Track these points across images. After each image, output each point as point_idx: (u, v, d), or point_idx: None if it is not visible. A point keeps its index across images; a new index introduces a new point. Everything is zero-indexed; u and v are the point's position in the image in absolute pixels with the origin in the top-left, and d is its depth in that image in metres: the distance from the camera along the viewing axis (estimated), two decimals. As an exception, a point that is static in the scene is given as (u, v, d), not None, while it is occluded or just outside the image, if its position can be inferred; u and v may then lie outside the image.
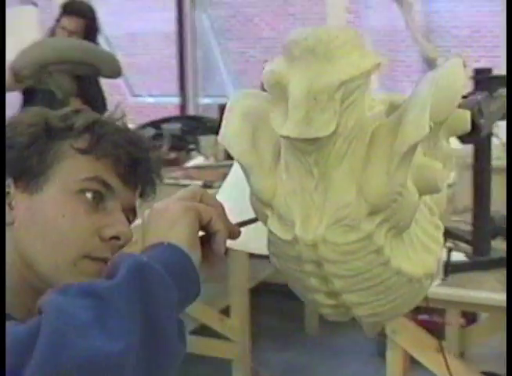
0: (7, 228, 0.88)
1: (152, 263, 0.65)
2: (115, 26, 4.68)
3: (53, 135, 0.90)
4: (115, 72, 3.23)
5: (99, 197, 0.86)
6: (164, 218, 0.71)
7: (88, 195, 0.87)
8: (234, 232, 0.75)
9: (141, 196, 0.95)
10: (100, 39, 3.40)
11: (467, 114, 0.86)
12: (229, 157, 3.17)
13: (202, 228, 0.73)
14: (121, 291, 0.62)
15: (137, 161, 0.90)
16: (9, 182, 0.89)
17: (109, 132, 0.90)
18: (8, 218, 0.88)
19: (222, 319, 2.95)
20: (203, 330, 3.01)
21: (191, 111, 3.98)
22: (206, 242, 0.74)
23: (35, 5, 3.79)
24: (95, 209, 0.86)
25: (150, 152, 0.93)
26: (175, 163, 3.08)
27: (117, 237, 0.84)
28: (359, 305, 0.70)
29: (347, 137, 0.64)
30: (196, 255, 0.69)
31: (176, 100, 4.08)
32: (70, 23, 3.06)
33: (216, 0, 4.55)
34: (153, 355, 0.62)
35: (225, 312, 3.00)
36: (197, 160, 3.14)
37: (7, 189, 0.88)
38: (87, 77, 3.16)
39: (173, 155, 3.15)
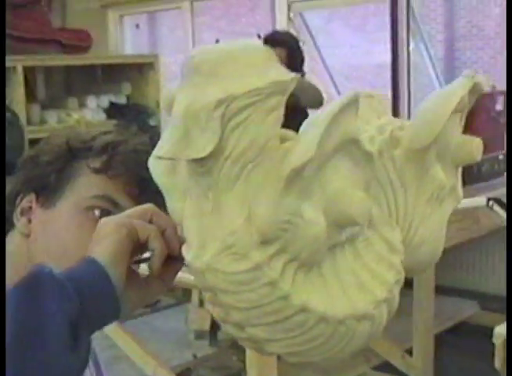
0: (24, 239, 0.94)
1: (54, 273, 0.65)
2: (336, 57, 4.75)
3: (73, 155, 0.95)
4: (317, 102, 3.28)
5: (106, 215, 0.89)
6: (96, 234, 0.72)
7: (96, 212, 0.90)
8: (174, 253, 0.73)
9: None
10: (321, 70, 3.46)
11: (475, 142, 0.76)
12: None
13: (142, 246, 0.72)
14: (12, 295, 0.63)
15: (148, 182, 0.92)
16: (31, 197, 0.95)
17: (122, 153, 0.93)
18: (26, 231, 0.94)
19: (404, 357, 2.85)
20: (386, 367, 2.94)
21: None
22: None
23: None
24: None
25: None
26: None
27: None
28: (270, 342, 0.65)
29: (239, 160, 0.61)
30: (117, 271, 0.68)
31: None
32: (272, 53, 3.16)
33: (433, 32, 4.43)
34: (24, 361, 0.61)
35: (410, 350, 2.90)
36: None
37: (29, 204, 0.95)
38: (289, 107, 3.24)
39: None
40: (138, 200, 0.91)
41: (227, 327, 0.66)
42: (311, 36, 4.59)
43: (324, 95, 3.33)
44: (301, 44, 3.38)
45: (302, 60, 3.34)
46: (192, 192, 0.64)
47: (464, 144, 0.77)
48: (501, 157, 2.11)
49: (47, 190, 0.94)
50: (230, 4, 6.30)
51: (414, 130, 0.74)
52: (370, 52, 4.56)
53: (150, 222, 0.74)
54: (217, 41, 4.77)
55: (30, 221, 0.95)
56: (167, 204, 0.68)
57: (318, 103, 3.26)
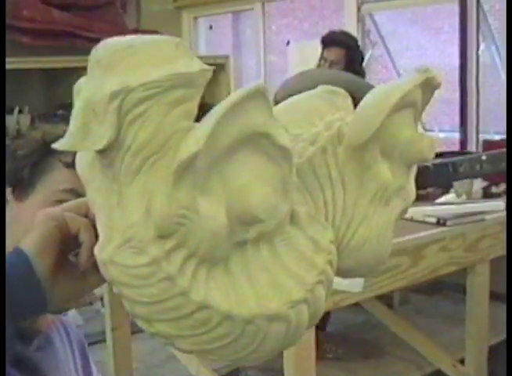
0: None
1: None
2: (407, 59, 4.65)
3: (48, 150, 0.97)
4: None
5: None
6: (30, 225, 0.72)
7: None
8: None
9: None
10: (392, 71, 3.40)
11: (425, 139, 0.74)
12: (486, 195, 2.97)
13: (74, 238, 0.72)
14: None
15: None
16: (8, 190, 0.97)
17: None
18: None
19: (456, 366, 2.77)
20: None
21: (471, 147, 3.78)
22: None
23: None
24: None
25: None
26: (425, 198, 2.96)
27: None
28: (178, 338, 0.64)
29: (139, 153, 0.60)
30: (42, 262, 0.68)
31: (456, 135, 3.91)
32: (329, 54, 3.14)
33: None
34: None
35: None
36: (449, 196, 2.99)
37: (7, 197, 0.97)
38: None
39: (426, 191, 3.03)
40: None
41: (137, 321, 0.66)
42: (381, 37, 4.52)
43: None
44: (359, 43, 3.34)
45: (361, 60, 3.29)
46: (101, 184, 0.64)
47: (414, 141, 0.74)
48: (484, 157, 1.99)
49: (21, 184, 0.96)
50: (314, 5, 6.29)
51: (352, 125, 0.71)
52: (442, 53, 4.45)
53: (86, 216, 0.74)
54: (288, 42, 4.77)
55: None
56: (87, 196, 0.68)
57: None
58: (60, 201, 0.92)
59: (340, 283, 1.53)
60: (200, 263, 0.61)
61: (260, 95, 0.60)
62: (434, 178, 0.88)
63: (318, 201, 0.72)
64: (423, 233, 2.27)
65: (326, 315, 3.10)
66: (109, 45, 0.61)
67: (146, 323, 0.64)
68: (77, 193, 0.93)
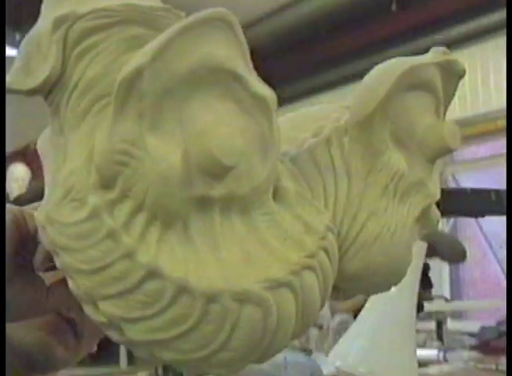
0: None
1: None
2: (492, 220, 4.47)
3: None
4: (458, 255, 3.05)
5: None
6: None
7: None
8: None
9: None
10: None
11: (446, 125, 0.64)
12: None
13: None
14: None
15: None
16: None
17: None
18: None
19: None
20: None
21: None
22: None
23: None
24: None
25: None
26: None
27: None
28: (127, 323, 0.52)
29: (87, 92, 0.52)
30: None
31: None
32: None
33: None
34: None
35: None
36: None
37: None
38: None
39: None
40: None
41: (86, 308, 0.54)
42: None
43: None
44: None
45: None
46: (50, 145, 0.55)
47: (433, 129, 0.64)
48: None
49: None
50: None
51: (354, 99, 0.62)
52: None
53: None
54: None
55: None
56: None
57: (459, 255, 3.03)
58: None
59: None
60: (152, 221, 0.50)
61: (225, 24, 0.52)
62: (470, 205, 0.76)
63: (316, 189, 0.61)
64: None
65: None
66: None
67: (91, 305, 0.52)
68: None
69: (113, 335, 0.54)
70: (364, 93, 0.61)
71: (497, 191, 0.77)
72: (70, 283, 0.53)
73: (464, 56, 4.00)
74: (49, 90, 0.53)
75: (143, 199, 0.49)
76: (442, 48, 0.65)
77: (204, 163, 0.50)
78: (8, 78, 0.52)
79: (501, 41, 3.80)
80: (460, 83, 0.67)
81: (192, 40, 0.50)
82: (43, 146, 0.59)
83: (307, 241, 0.55)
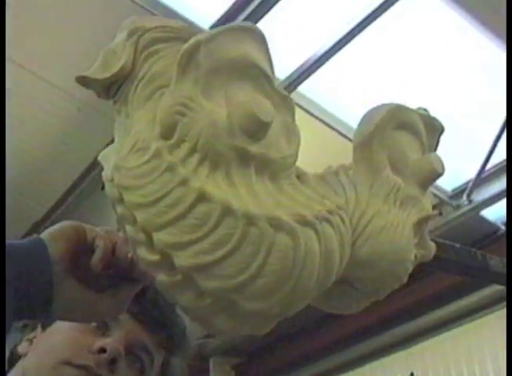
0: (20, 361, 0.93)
1: None
2: None
3: None
4: None
5: (103, 326, 0.90)
6: None
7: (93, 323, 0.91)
8: (119, 250, 0.72)
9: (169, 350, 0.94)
10: None
11: (432, 156, 0.78)
12: None
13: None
14: None
15: (146, 296, 0.93)
16: (39, 329, 0.96)
17: None
18: (24, 350, 0.94)
19: None
20: None
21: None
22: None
23: None
24: (97, 334, 0.89)
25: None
26: None
27: (103, 349, 0.85)
28: (178, 250, 0.61)
29: (152, 82, 0.67)
30: (54, 245, 0.68)
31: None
32: None
33: None
34: None
35: None
36: None
37: (34, 334, 0.95)
38: None
39: None
40: (136, 316, 0.91)
41: (139, 250, 0.63)
42: None
43: None
44: None
45: None
46: (119, 129, 0.68)
47: (422, 159, 0.78)
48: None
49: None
50: None
51: (357, 128, 0.77)
52: None
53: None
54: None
55: (31, 342, 0.95)
56: None
57: None
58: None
59: None
60: (202, 161, 0.62)
61: (259, 36, 0.69)
62: (455, 263, 0.86)
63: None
64: None
65: None
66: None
67: (150, 248, 0.62)
68: None
69: (162, 277, 0.62)
70: (361, 124, 0.77)
71: (483, 254, 0.88)
72: (128, 229, 0.63)
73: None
74: (120, 84, 0.67)
75: (197, 141, 0.62)
76: (424, 107, 0.82)
77: (245, 120, 0.63)
78: (87, 74, 0.67)
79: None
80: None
81: (235, 38, 0.67)
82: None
83: (326, 203, 0.66)
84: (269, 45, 0.70)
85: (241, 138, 0.63)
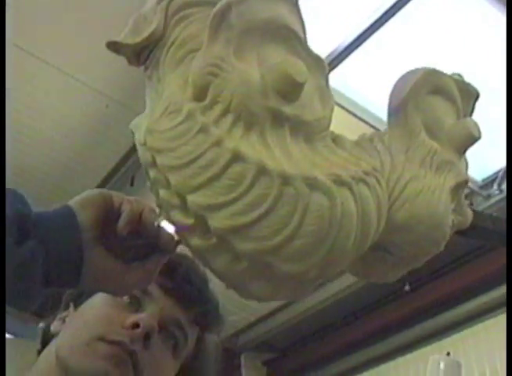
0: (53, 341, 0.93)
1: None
2: None
3: None
4: None
5: (135, 301, 0.89)
6: None
7: (125, 297, 0.90)
8: (145, 217, 0.71)
9: (202, 327, 0.94)
10: None
11: (469, 122, 0.77)
12: None
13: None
14: None
15: (181, 277, 0.92)
16: (69, 308, 0.95)
17: None
18: (57, 329, 0.94)
19: None
20: None
21: None
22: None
23: None
24: (130, 310, 0.88)
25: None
26: None
27: (136, 324, 0.85)
28: (212, 212, 0.60)
29: (184, 45, 0.66)
30: (83, 213, 0.67)
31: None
32: None
33: None
34: None
35: None
36: None
37: (66, 314, 0.95)
38: None
39: None
40: (169, 292, 0.90)
41: (173, 214, 0.63)
42: None
43: None
44: None
45: None
46: (150, 95, 0.68)
47: (459, 123, 0.77)
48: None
49: (84, 296, 0.95)
50: None
51: (391, 93, 0.76)
52: None
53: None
54: None
55: (64, 321, 0.94)
56: None
57: None
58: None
59: None
60: (236, 122, 0.61)
61: (293, 2, 0.68)
62: (492, 232, 0.84)
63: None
64: None
65: None
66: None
67: (184, 211, 0.61)
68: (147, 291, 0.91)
69: (196, 241, 0.61)
70: (396, 88, 0.75)
71: (496, 218, 0.87)
72: (162, 192, 0.62)
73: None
74: (151, 49, 0.67)
75: (230, 101, 0.61)
76: (458, 72, 0.81)
77: (279, 80, 0.62)
78: (119, 39, 0.67)
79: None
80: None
81: (267, 0, 0.66)
82: None
83: (362, 164, 0.65)
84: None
85: (275, 98, 0.63)
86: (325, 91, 0.68)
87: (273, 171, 0.59)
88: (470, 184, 3.10)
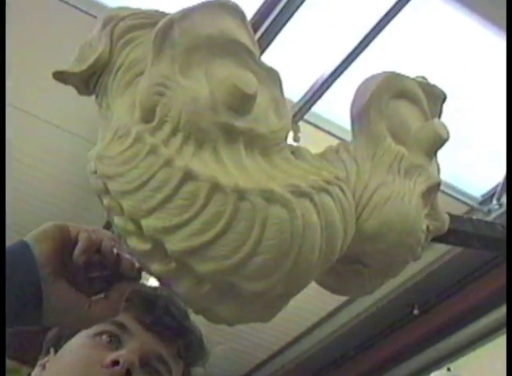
0: None
1: None
2: None
3: None
4: None
5: (116, 340, 0.87)
6: None
7: (104, 337, 0.88)
8: (105, 245, 0.68)
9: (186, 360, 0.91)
10: None
11: (436, 123, 0.75)
12: None
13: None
14: None
15: (161, 312, 0.90)
16: (50, 353, 0.93)
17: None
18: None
19: None
20: None
21: None
22: None
23: None
24: (109, 349, 0.86)
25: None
26: None
27: (116, 362, 0.82)
28: (168, 234, 0.57)
29: (131, 68, 0.64)
30: (39, 246, 0.64)
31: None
32: None
33: None
34: None
35: None
36: None
37: (47, 359, 0.92)
38: None
39: None
40: (149, 327, 0.88)
41: (130, 241, 0.60)
42: None
43: None
44: None
45: None
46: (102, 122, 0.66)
47: (425, 126, 0.75)
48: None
49: (63, 340, 0.93)
50: None
51: (353, 99, 0.74)
52: None
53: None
54: None
55: (44, 367, 0.92)
56: None
57: None
58: (100, 333, 0.88)
59: None
60: (186, 140, 0.60)
61: (238, 13, 0.67)
62: (473, 236, 0.82)
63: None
64: None
65: None
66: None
67: (140, 236, 0.59)
68: (119, 323, 0.88)
69: (156, 266, 0.59)
70: (357, 95, 0.74)
71: (472, 219, 0.84)
72: (116, 220, 0.60)
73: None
74: (99, 76, 0.65)
75: (178, 120, 0.59)
76: (422, 75, 0.79)
77: (228, 94, 0.60)
78: (65, 68, 0.65)
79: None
80: None
81: (212, 15, 0.64)
82: None
83: (323, 173, 0.63)
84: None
85: (226, 113, 0.61)
86: (280, 102, 0.66)
87: (227, 187, 0.57)
88: (469, 201, 3.07)
